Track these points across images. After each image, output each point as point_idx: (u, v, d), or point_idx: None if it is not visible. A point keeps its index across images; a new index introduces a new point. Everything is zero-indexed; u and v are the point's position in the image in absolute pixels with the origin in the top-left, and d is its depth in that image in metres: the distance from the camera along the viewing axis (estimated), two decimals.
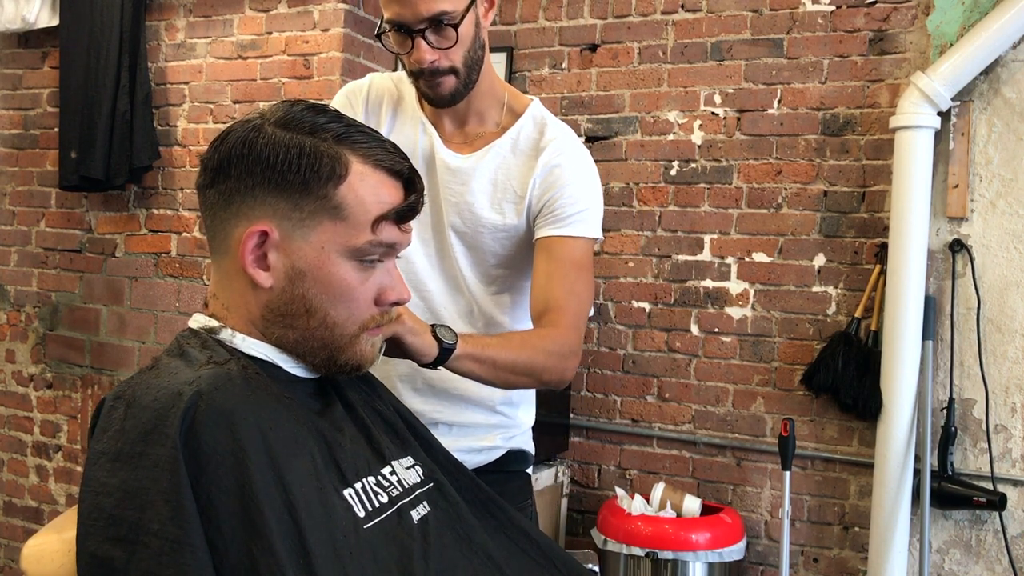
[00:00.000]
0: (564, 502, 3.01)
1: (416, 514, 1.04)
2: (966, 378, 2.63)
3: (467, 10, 1.41)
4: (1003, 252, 2.60)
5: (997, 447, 2.59)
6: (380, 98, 1.59)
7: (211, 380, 0.93)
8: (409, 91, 1.58)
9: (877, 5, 2.75)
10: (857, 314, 2.72)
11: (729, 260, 2.91)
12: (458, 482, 1.16)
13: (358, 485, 1.00)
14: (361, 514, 0.97)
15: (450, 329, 1.28)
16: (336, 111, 1.05)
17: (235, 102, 3.19)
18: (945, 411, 2.61)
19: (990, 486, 2.55)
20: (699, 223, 2.95)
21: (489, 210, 1.51)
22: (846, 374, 2.66)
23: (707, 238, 2.94)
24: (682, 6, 2.98)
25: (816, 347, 2.78)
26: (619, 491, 2.85)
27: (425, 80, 1.45)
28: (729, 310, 2.91)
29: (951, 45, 2.59)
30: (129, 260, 3.39)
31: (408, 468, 1.10)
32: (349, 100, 1.60)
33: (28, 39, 3.56)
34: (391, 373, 1.52)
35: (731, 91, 2.91)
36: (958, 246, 2.63)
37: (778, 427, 2.78)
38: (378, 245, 1.03)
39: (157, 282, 3.33)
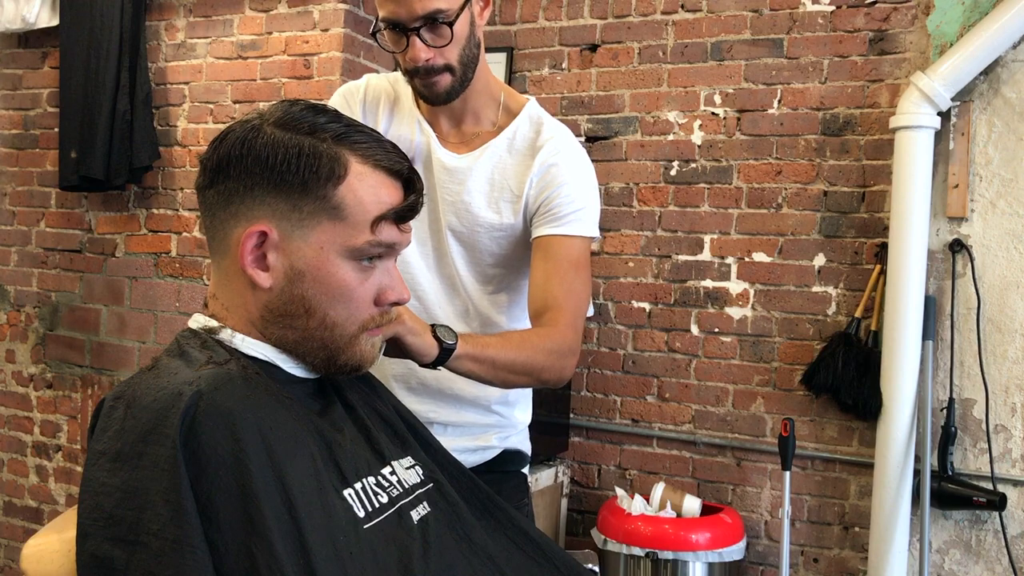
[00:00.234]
0: (564, 502, 3.01)
1: (416, 514, 1.04)
2: (966, 378, 2.63)
3: (462, 8, 1.42)
4: (1003, 252, 2.60)
5: (997, 447, 2.59)
6: (377, 98, 1.59)
7: (211, 380, 0.93)
8: (406, 91, 1.58)
9: (877, 5, 2.75)
10: (857, 314, 2.72)
11: (729, 260, 2.91)
12: (458, 482, 1.16)
13: (358, 485, 1.00)
14: (361, 514, 0.97)
15: (450, 329, 1.28)
16: (335, 111, 1.05)
17: (235, 102, 3.19)
18: (945, 411, 2.61)
19: (990, 486, 2.55)
20: (699, 223, 2.95)
21: (486, 209, 1.52)
22: (846, 374, 2.66)
23: (707, 238, 2.94)
24: (682, 6, 2.98)
25: (816, 347, 2.78)
26: (619, 491, 2.85)
27: (420, 78, 1.45)
28: (729, 310, 2.91)
29: (951, 45, 2.59)
30: (129, 260, 3.39)
31: (408, 468, 1.10)
32: (346, 100, 1.60)
33: (28, 39, 3.56)
34: (386, 373, 1.52)
35: (731, 91, 2.91)
36: (958, 246, 2.63)
37: (778, 427, 2.78)
38: (377, 245, 1.03)
39: (157, 282, 3.33)
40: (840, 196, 2.79)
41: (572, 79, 3.12)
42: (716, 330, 2.93)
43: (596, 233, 1.54)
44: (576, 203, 1.50)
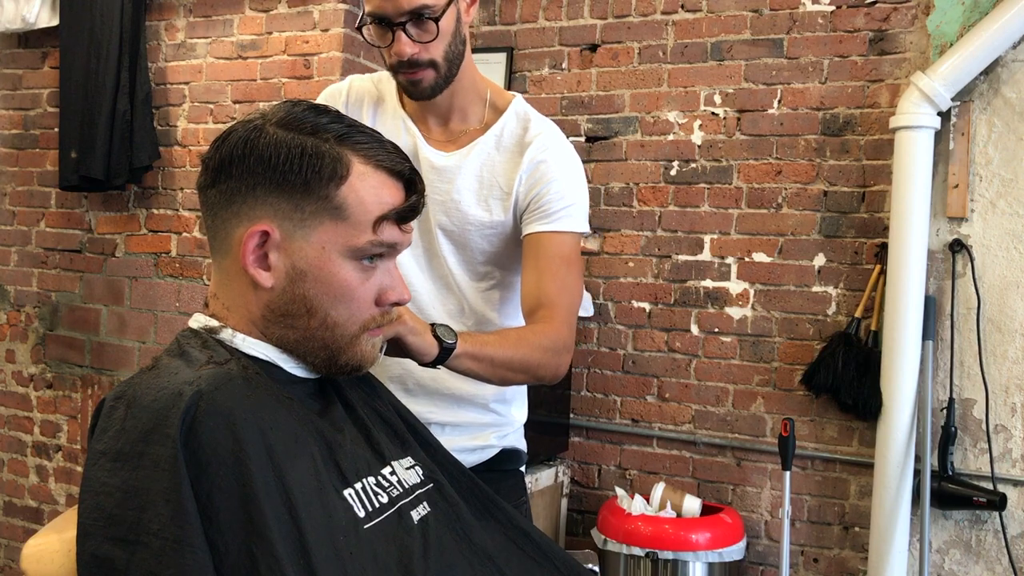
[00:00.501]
0: (564, 502, 3.01)
1: (416, 514, 1.04)
2: (966, 378, 2.63)
3: (448, 4, 1.42)
4: (1003, 252, 2.60)
5: (997, 447, 2.59)
6: (360, 99, 1.60)
7: (211, 380, 0.93)
8: (390, 91, 1.58)
9: (877, 5, 2.75)
10: (857, 314, 2.72)
11: (729, 260, 2.91)
12: (458, 482, 1.16)
13: (358, 485, 1.00)
14: (361, 514, 0.97)
15: (449, 328, 1.29)
16: (337, 112, 1.06)
17: (235, 102, 3.19)
18: (945, 411, 2.61)
19: (990, 486, 2.55)
20: (699, 223, 2.95)
21: (476, 207, 1.52)
22: (846, 374, 2.66)
23: (707, 238, 2.94)
24: (682, 6, 2.98)
25: (816, 347, 2.78)
26: (619, 491, 2.85)
27: (404, 73, 1.46)
28: (729, 310, 2.91)
29: (951, 45, 2.59)
30: (129, 260, 3.39)
31: (408, 468, 1.10)
32: (329, 103, 1.61)
33: (28, 39, 3.56)
34: (383, 375, 1.52)
35: (731, 91, 2.91)
36: (958, 246, 2.63)
37: (778, 427, 2.78)
38: (379, 245, 1.03)
39: (157, 282, 3.33)
40: (840, 196, 2.79)
41: (572, 79, 3.12)
42: (716, 330, 2.93)
43: (586, 228, 1.55)
44: (566, 199, 1.50)
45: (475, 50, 3.24)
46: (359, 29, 1.48)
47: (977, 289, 2.60)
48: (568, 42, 3.14)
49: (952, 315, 2.64)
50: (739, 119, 2.91)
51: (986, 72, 2.59)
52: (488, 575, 1.07)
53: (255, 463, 0.89)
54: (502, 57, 3.20)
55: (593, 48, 3.10)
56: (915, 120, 2.55)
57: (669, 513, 2.72)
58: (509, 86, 3.18)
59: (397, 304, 1.09)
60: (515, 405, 1.64)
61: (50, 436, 3.52)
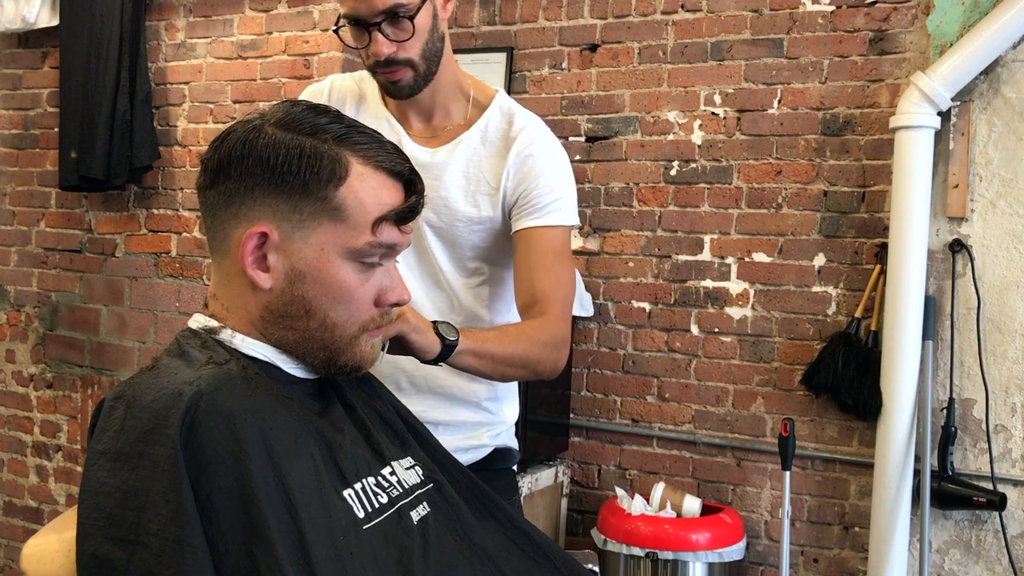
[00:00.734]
0: (564, 502, 3.01)
1: (416, 514, 1.04)
2: (966, 378, 2.63)
3: (423, 2, 1.42)
4: (1003, 252, 2.60)
5: (997, 447, 2.59)
6: (343, 98, 1.59)
7: (211, 380, 0.93)
8: (372, 89, 1.58)
9: (877, 5, 2.75)
10: (857, 314, 2.72)
11: (729, 260, 2.91)
12: (458, 482, 1.16)
13: (358, 486, 1.00)
14: (361, 515, 0.97)
15: (451, 325, 1.29)
16: (337, 112, 1.05)
17: (235, 102, 3.20)
18: (945, 411, 2.61)
19: (990, 486, 2.55)
20: (699, 223, 2.95)
21: (464, 203, 1.52)
22: (846, 374, 2.66)
23: (707, 238, 2.94)
24: (682, 6, 2.98)
25: (816, 347, 2.78)
26: (619, 491, 2.85)
27: (382, 73, 1.46)
28: (729, 310, 2.91)
29: (951, 45, 2.59)
30: (129, 260, 3.39)
31: (408, 469, 1.10)
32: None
33: (28, 39, 3.56)
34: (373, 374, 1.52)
35: (731, 91, 2.91)
36: (958, 246, 2.63)
37: (778, 427, 2.78)
38: (378, 246, 1.03)
39: (157, 282, 3.33)
40: (840, 196, 2.79)
41: (572, 79, 3.12)
42: (716, 330, 2.93)
43: (576, 221, 1.55)
44: (554, 192, 1.51)
45: (475, 50, 3.24)
46: (335, 31, 1.48)
47: (977, 289, 2.60)
48: (568, 42, 3.14)
49: (952, 315, 2.64)
50: (739, 119, 2.91)
51: (986, 72, 2.59)
52: (488, 575, 1.07)
53: (255, 463, 0.89)
54: (502, 57, 3.19)
55: (593, 48, 3.10)
56: (915, 120, 2.55)
57: (669, 513, 2.72)
58: (509, 86, 3.18)
59: (397, 305, 1.09)
60: (507, 403, 1.64)
61: (50, 436, 3.52)
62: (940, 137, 2.61)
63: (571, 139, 3.11)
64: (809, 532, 2.81)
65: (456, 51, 3.32)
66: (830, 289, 2.79)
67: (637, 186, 3.03)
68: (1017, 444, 2.58)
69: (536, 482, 2.79)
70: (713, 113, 2.94)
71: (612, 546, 2.66)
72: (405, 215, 1.05)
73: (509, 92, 3.18)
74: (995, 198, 2.61)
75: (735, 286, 2.90)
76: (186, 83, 3.28)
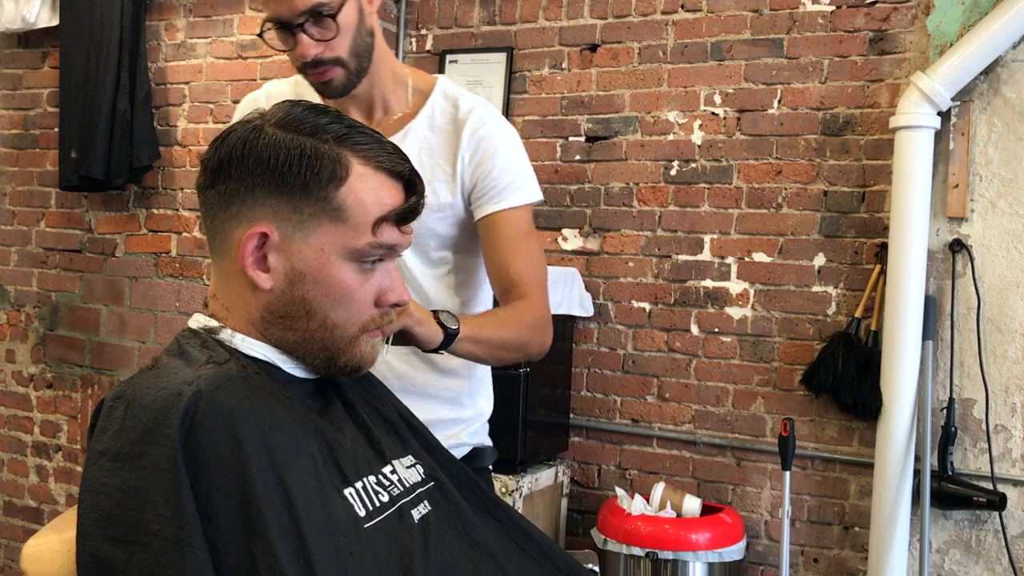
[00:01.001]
0: (564, 502, 3.01)
1: (417, 513, 1.04)
2: (966, 378, 2.63)
3: None
4: (1003, 252, 2.60)
5: (997, 447, 2.59)
6: None
7: (211, 380, 0.93)
8: (309, 91, 1.56)
9: (877, 5, 2.75)
10: (857, 314, 2.72)
11: (729, 260, 2.91)
12: (459, 481, 1.16)
13: (359, 484, 1.00)
14: (362, 513, 0.97)
15: (451, 314, 1.31)
16: (337, 112, 1.05)
17: (235, 102, 3.20)
18: (945, 411, 2.61)
19: (990, 486, 2.55)
20: (699, 223, 2.95)
21: None
22: (846, 374, 2.66)
23: (707, 238, 2.94)
24: (682, 6, 2.98)
25: (816, 347, 2.78)
26: (619, 491, 2.85)
27: (312, 74, 1.45)
28: (729, 310, 2.91)
29: (951, 45, 2.59)
30: (129, 260, 3.39)
31: (409, 467, 1.10)
32: (248, 110, 1.59)
33: (28, 39, 3.56)
34: None
35: (731, 91, 2.91)
36: (958, 246, 2.63)
37: (778, 427, 2.78)
38: (378, 247, 1.03)
39: (157, 282, 3.33)
40: (840, 196, 2.79)
41: (572, 79, 3.12)
42: (716, 330, 2.93)
43: (539, 195, 1.55)
44: (511, 172, 1.51)
45: (475, 50, 3.24)
46: (260, 36, 1.45)
47: (977, 289, 2.60)
48: (568, 42, 3.14)
49: (952, 315, 2.64)
50: (739, 119, 2.91)
51: (986, 72, 2.59)
52: (490, 573, 1.07)
53: (255, 463, 0.89)
54: (502, 57, 3.20)
55: (593, 48, 3.10)
56: (915, 120, 2.55)
57: (669, 513, 2.72)
58: (509, 86, 3.18)
59: (397, 306, 1.09)
60: (482, 396, 1.65)
61: (50, 436, 3.52)
62: (940, 137, 2.61)
63: (571, 139, 3.12)
64: (809, 532, 2.81)
65: (456, 51, 3.34)
66: (830, 289, 2.79)
67: (637, 186, 3.03)
68: (1017, 444, 2.58)
69: (536, 482, 2.79)
70: (713, 113, 2.94)
71: (612, 546, 2.66)
72: (406, 215, 1.05)
73: (509, 92, 3.18)
74: (995, 198, 2.61)
75: (735, 286, 2.90)
76: (186, 83, 3.28)
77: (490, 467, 1.69)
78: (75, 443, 3.46)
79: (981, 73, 2.58)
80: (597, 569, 1.35)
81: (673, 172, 2.98)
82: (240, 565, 0.86)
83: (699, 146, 2.95)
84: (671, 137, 2.99)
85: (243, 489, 0.88)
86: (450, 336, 1.29)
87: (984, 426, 2.59)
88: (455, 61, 3.27)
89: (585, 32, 3.11)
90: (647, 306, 3.02)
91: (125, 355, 3.38)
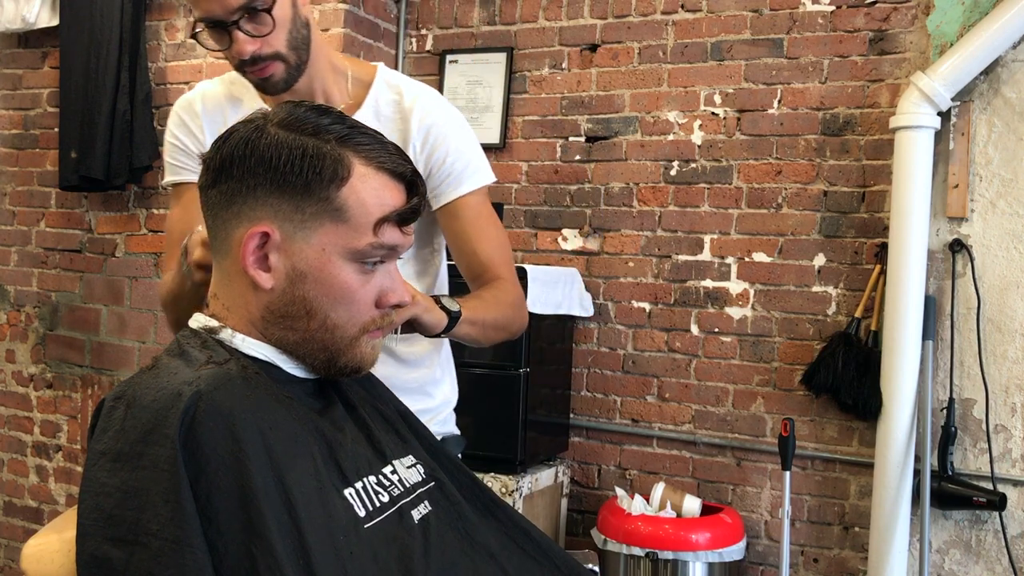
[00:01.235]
0: (564, 502, 3.01)
1: (417, 513, 1.04)
2: (966, 378, 2.63)
3: None
4: (1003, 252, 2.60)
5: (997, 447, 2.59)
6: (217, 105, 1.55)
7: (211, 380, 0.93)
8: (246, 90, 1.54)
9: (877, 5, 2.75)
10: (857, 314, 2.72)
11: (729, 260, 2.91)
12: (459, 481, 1.16)
13: (359, 484, 1.00)
14: (361, 513, 0.97)
15: (450, 298, 1.33)
16: (339, 112, 1.05)
17: None
18: (945, 411, 2.61)
19: (990, 486, 2.55)
20: (699, 223, 2.95)
21: None
22: (846, 374, 2.66)
23: (707, 238, 2.94)
24: (682, 6, 2.98)
25: (816, 347, 2.78)
26: (619, 491, 2.85)
27: (251, 72, 1.41)
28: (729, 310, 2.91)
29: (951, 45, 2.59)
30: (129, 260, 3.39)
31: (409, 467, 1.10)
32: (182, 118, 1.56)
33: (28, 39, 3.56)
34: None
35: (731, 91, 2.91)
36: (958, 246, 2.63)
37: (778, 427, 2.78)
38: (379, 247, 1.03)
39: (157, 282, 3.33)
40: (840, 196, 2.79)
41: (572, 79, 3.12)
42: (716, 330, 2.93)
43: (492, 176, 1.56)
44: (465, 156, 1.51)
45: (475, 50, 3.24)
46: (194, 37, 1.42)
47: (977, 289, 2.60)
48: (568, 42, 3.14)
49: (952, 315, 2.64)
50: (739, 119, 2.91)
51: (986, 72, 2.59)
52: (490, 574, 1.07)
53: (254, 463, 0.89)
54: (502, 57, 3.20)
55: (593, 48, 3.10)
56: (915, 120, 2.55)
57: (669, 513, 2.72)
58: (509, 86, 3.18)
59: (398, 307, 1.09)
60: (446, 383, 1.65)
61: (50, 436, 3.52)
62: (940, 137, 2.61)
63: (571, 139, 3.12)
64: (809, 532, 2.81)
65: (456, 51, 3.34)
66: (830, 289, 2.79)
67: (637, 186, 3.03)
68: (1017, 444, 2.58)
69: (536, 482, 2.79)
70: (713, 113, 2.94)
71: (612, 546, 2.66)
72: (407, 216, 1.05)
73: (509, 92, 3.18)
74: (995, 198, 2.61)
75: (735, 286, 2.90)
76: (186, 83, 3.28)
77: (459, 456, 1.69)
78: (75, 443, 3.46)
79: (981, 73, 2.58)
80: (597, 569, 1.35)
81: (673, 172, 2.98)
82: (240, 565, 0.86)
83: (699, 146, 2.95)
84: (671, 137, 2.99)
85: (243, 489, 0.88)
86: (453, 319, 1.30)
87: (984, 426, 2.59)
88: (455, 61, 3.27)
89: (585, 32, 3.11)
90: (647, 306, 3.02)
91: (125, 355, 3.38)
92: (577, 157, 3.10)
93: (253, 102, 1.53)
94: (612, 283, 3.06)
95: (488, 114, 3.21)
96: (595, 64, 3.10)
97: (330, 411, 1.06)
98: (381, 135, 1.06)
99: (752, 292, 2.88)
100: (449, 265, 1.65)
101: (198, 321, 1.06)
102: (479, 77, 3.23)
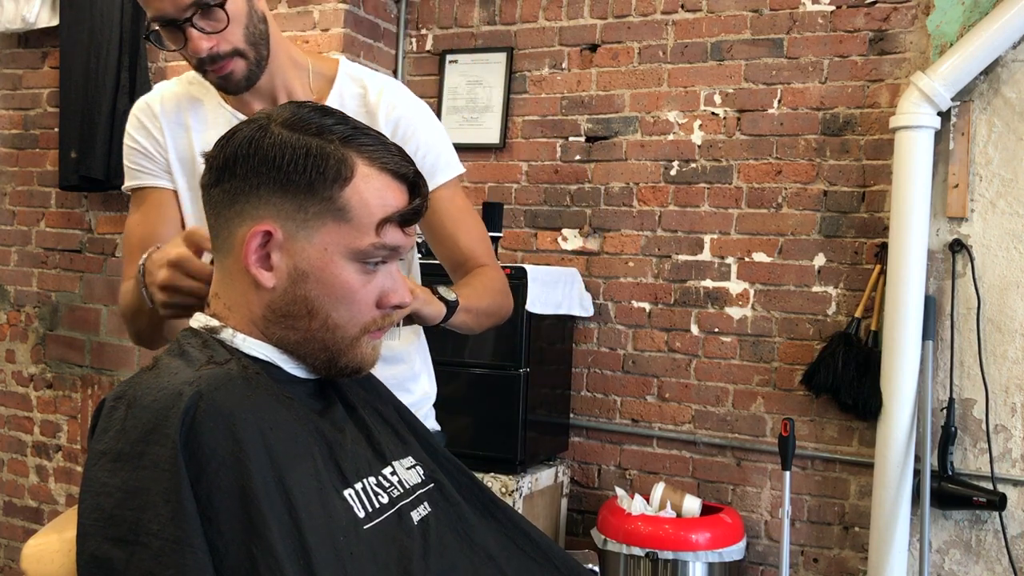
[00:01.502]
0: (564, 502, 3.01)
1: (417, 515, 1.04)
2: (966, 378, 2.63)
3: None
4: (1003, 252, 2.60)
5: (997, 447, 2.59)
6: (177, 106, 1.52)
7: (211, 380, 0.93)
8: (206, 90, 1.51)
9: (877, 5, 2.75)
10: (857, 314, 2.72)
11: (729, 260, 2.91)
12: (458, 482, 1.16)
13: (358, 485, 1.00)
14: (361, 515, 0.97)
15: (446, 287, 1.34)
16: (342, 113, 1.05)
17: None
18: (945, 411, 2.61)
19: (990, 486, 2.55)
20: (699, 223, 2.95)
21: None
22: (846, 374, 2.66)
23: (707, 238, 2.94)
24: (682, 6, 2.98)
25: (816, 347, 2.78)
26: (619, 491, 2.85)
27: (211, 70, 1.37)
28: (729, 310, 2.91)
29: (951, 45, 2.59)
30: None
31: (409, 468, 1.10)
32: (141, 121, 1.54)
33: (28, 39, 3.56)
34: None
35: (731, 91, 2.91)
36: (958, 246, 2.63)
37: (778, 427, 2.78)
38: (382, 248, 1.03)
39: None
40: (840, 196, 2.79)
41: (572, 79, 3.12)
42: (716, 330, 2.93)
43: (461, 168, 1.56)
44: (436, 148, 1.50)
45: (475, 50, 3.24)
46: (147, 38, 1.39)
47: (977, 289, 2.60)
48: (568, 42, 3.14)
49: (952, 315, 2.64)
50: (739, 119, 2.91)
51: (986, 72, 2.59)
52: (489, 575, 1.07)
53: (255, 463, 0.89)
54: (502, 57, 3.20)
55: (593, 48, 3.10)
56: (915, 120, 2.55)
57: (669, 513, 2.72)
58: (509, 86, 3.18)
59: (399, 307, 1.09)
60: (425, 378, 1.65)
61: (50, 436, 3.52)
62: (940, 137, 2.62)
63: (571, 139, 3.12)
64: (809, 532, 2.81)
65: (456, 51, 3.34)
66: (830, 289, 2.79)
67: (637, 186, 3.03)
68: (1017, 444, 2.58)
69: (536, 482, 2.79)
70: (713, 113, 2.94)
71: (612, 546, 2.66)
72: (409, 217, 1.05)
73: (509, 92, 3.18)
74: (995, 198, 2.61)
75: (735, 286, 2.90)
76: None
77: None
78: (75, 443, 3.46)
79: (981, 73, 2.58)
80: (597, 569, 1.34)
81: (673, 172, 2.98)
82: (240, 565, 0.86)
83: (699, 146, 2.95)
84: (671, 137, 2.99)
85: (243, 489, 0.88)
86: (451, 309, 1.31)
87: (984, 426, 2.59)
88: (455, 61, 3.27)
89: (585, 32, 3.11)
90: (647, 306, 3.02)
91: (125, 355, 3.38)
92: (577, 157, 3.10)
93: (213, 102, 1.50)
94: (612, 283, 3.06)
95: (488, 114, 3.22)
96: (595, 64, 3.10)
97: (330, 412, 1.06)
98: (384, 136, 1.07)
99: (752, 292, 2.89)
100: (422, 264, 1.66)
101: (199, 321, 1.06)
102: (479, 77, 3.23)
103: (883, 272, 2.67)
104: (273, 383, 0.99)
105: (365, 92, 1.50)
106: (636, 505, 2.73)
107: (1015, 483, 2.57)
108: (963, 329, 2.64)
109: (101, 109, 3.16)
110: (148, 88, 3.22)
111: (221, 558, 0.86)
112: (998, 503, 2.51)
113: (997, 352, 2.60)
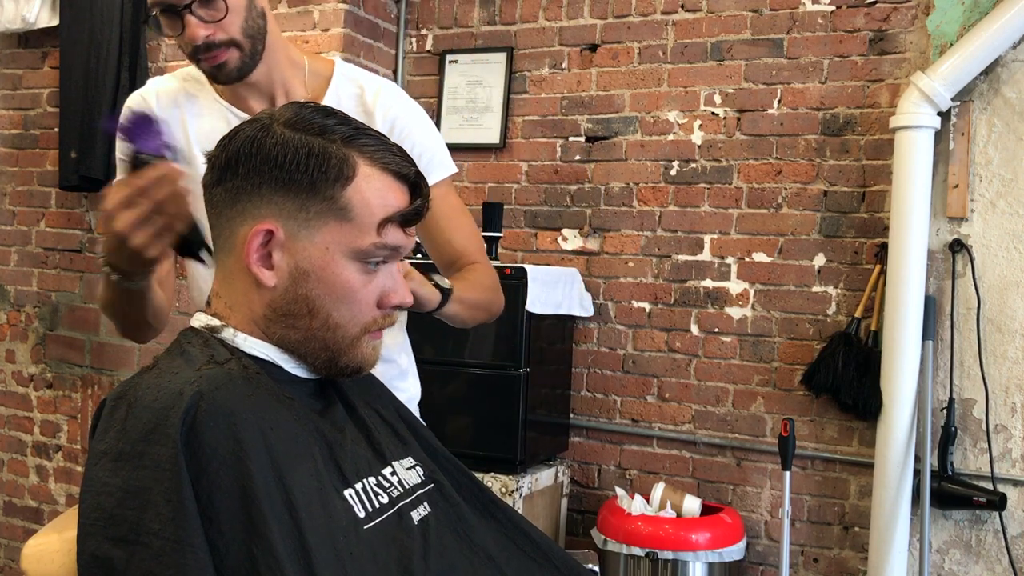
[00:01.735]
0: (564, 502, 3.01)
1: (416, 515, 1.04)
2: (966, 378, 2.63)
3: None
4: (1003, 252, 2.60)
5: (997, 447, 2.59)
6: (172, 101, 1.52)
7: (212, 380, 0.93)
8: (202, 86, 1.52)
9: (877, 5, 2.75)
10: (857, 314, 2.72)
11: (729, 260, 2.91)
12: (458, 482, 1.16)
13: (359, 486, 1.00)
14: (361, 515, 0.97)
15: (440, 275, 1.35)
16: (344, 113, 1.06)
17: None
18: (945, 411, 2.61)
19: (990, 486, 2.55)
20: (699, 223, 2.95)
21: None
22: (846, 374, 2.66)
23: (707, 238, 2.94)
24: (682, 6, 2.98)
25: (816, 347, 2.78)
26: (619, 491, 2.85)
27: (204, 59, 1.38)
28: (729, 310, 2.91)
29: (951, 45, 2.59)
30: None
31: (409, 469, 1.10)
32: (135, 109, 1.52)
33: (28, 39, 3.56)
34: None
35: (731, 91, 2.91)
36: (958, 246, 2.63)
37: (778, 427, 2.78)
38: (383, 247, 1.03)
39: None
40: (840, 196, 2.79)
41: (572, 79, 3.12)
42: (716, 330, 2.93)
43: (454, 167, 1.59)
44: (429, 149, 1.52)
45: (475, 50, 3.24)
46: (145, 22, 1.43)
47: (977, 289, 2.61)
48: (568, 42, 3.14)
49: (952, 315, 2.64)
50: (739, 119, 2.91)
51: (986, 72, 2.59)
52: (489, 575, 1.07)
53: (255, 463, 0.89)
54: (502, 57, 3.20)
55: (593, 48, 3.10)
56: (915, 120, 2.55)
57: (669, 513, 2.72)
58: (509, 86, 3.18)
59: (399, 307, 1.09)
60: (410, 378, 1.65)
61: (50, 436, 3.52)
62: (940, 137, 2.62)
63: (571, 139, 3.12)
64: (809, 532, 2.81)
65: (456, 51, 3.34)
66: (830, 289, 2.79)
67: (637, 186, 3.03)
68: (1017, 444, 2.58)
69: (536, 482, 2.79)
70: (713, 113, 2.94)
71: (612, 546, 2.66)
72: (410, 217, 1.05)
73: (509, 92, 3.18)
74: (995, 198, 2.61)
75: (735, 286, 2.90)
76: None
77: None
78: (75, 443, 3.46)
79: (981, 73, 2.58)
80: (597, 569, 1.35)
81: (673, 172, 2.98)
82: (241, 565, 0.86)
83: (699, 146, 2.95)
84: (671, 137, 2.99)
85: (244, 489, 0.88)
86: (446, 296, 1.32)
87: (984, 426, 2.59)
88: (455, 61, 3.27)
89: (585, 32, 3.11)
90: (647, 306, 3.02)
91: (125, 355, 3.38)
92: (577, 157, 3.10)
93: (209, 95, 1.51)
94: (612, 283, 3.06)
95: (488, 114, 3.22)
96: (595, 64, 3.10)
97: (330, 412, 1.06)
98: (385, 137, 1.07)
99: (752, 292, 2.89)
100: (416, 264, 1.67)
101: (200, 320, 1.06)
102: (479, 77, 3.23)
103: (883, 272, 2.67)
104: (273, 383, 0.99)
105: (362, 92, 1.51)
106: (636, 505, 2.73)
107: (1015, 483, 2.57)
108: (963, 329, 2.64)
109: (101, 109, 3.15)
110: None
111: (221, 558, 0.86)
112: (998, 503, 2.51)
113: (997, 352, 2.60)
